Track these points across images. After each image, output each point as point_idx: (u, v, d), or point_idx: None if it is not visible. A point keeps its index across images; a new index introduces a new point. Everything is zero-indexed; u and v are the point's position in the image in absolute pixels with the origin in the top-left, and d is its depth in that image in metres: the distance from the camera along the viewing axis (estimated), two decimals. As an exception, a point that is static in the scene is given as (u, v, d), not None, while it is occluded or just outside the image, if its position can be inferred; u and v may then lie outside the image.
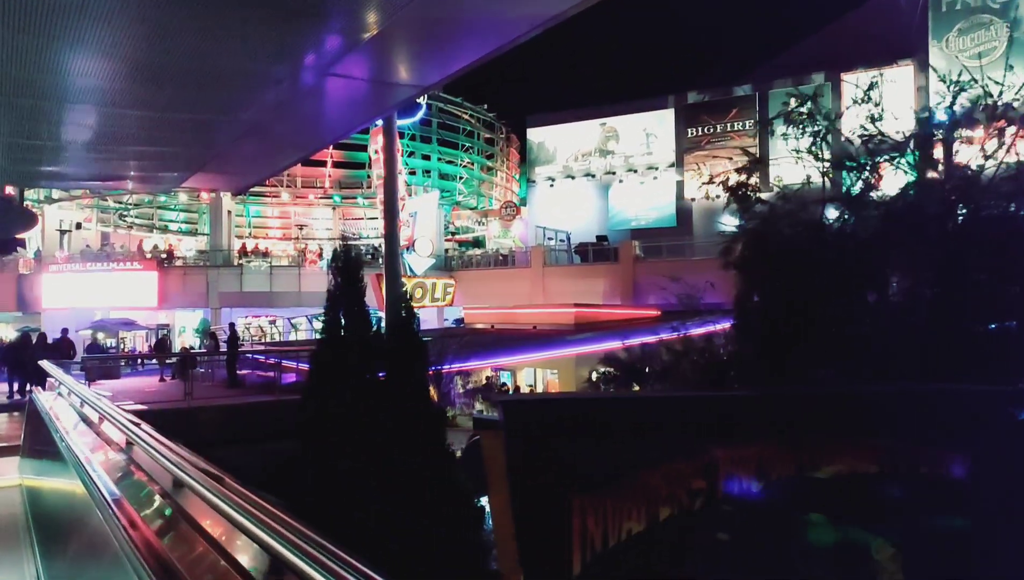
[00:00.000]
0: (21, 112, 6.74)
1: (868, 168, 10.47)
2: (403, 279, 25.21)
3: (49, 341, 21.58)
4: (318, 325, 37.36)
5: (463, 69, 7.30)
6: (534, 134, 47.27)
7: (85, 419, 7.69)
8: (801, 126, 10.71)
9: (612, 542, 4.96)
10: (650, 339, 25.80)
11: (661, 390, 11.53)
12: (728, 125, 40.77)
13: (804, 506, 5.07)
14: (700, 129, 41.75)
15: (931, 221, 8.77)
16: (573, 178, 45.87)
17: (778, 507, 5.04)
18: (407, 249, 25.48)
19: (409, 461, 10.00)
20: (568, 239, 42.70)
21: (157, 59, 5.67)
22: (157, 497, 3.93)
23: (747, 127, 40.15)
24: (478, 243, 49.32)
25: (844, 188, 10.66)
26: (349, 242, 12.98)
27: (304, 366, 19.21)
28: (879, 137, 10.31)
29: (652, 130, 43.16)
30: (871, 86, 10.94)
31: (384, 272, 14.35)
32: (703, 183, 12.76)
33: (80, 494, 4.79)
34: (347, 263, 11.25)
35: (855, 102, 10.61)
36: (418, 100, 25.19)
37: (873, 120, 10.40)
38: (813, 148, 10.91)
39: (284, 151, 11.64)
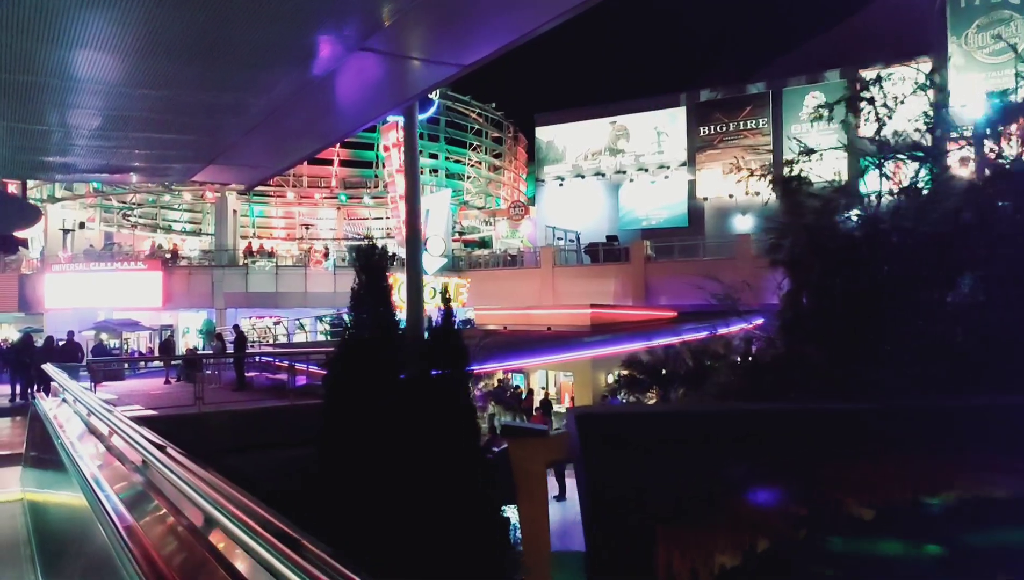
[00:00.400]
0: (21, 92, 6.12)
1: (934, 159, 9.81)
2: (415, 279, 24.57)
3: (51, 344, 21.09)
4: (324, 326, 36.77)
5: (506, 46, 6.65)
6: (543, 133, 46.64)
7: (92, 430, 7.07)
8: (873, 112, 10.02)
9: (702, 578, 4.31)
10: (672, 340, 25.17)
11: (757, 403, 10.73)
12: (741, 123, 40.10)
13: (920, 536, 4.42)
14: (713, 127, 41.09)
15: (1009, 214, 8.16)
16: (583, 177, 45.22)
17: (891, 537, 4.39)
18: (418, 248, 24.81)
19: (442, 470, 9.38)
20: (578, 239, 42.10)
21: (174, 28, 5.07)
22: (181, 531, 3.32)
23: (761, 125, 39.48)
24: (484, 244, 48.70)
25: (908, 182, 9.99)
26: (372, 240, 12.39)
27: (316, 369, 18.64)
28: (943, 126, 9.64)
29: (663, 128, 42.51)
30: (933, 70, 10.29)
31: (405, 269, 13.73)
32: (746, 176, 12.08)
33: (86, 515, 4.24)
34: (371, 261, 10.66)
35: (918, 88, 9.93)
36: (430, 96, 24.55)
37: (937, 108, 9.72)
38: (879, 136, 10.24)
39: (302, 141, 11.00)
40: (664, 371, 20.24)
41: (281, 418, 12.77)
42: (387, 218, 56.21)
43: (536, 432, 12.24)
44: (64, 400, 9.18)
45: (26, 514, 7.88)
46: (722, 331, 29.66)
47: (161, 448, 3.84)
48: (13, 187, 18.66)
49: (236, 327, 21.89)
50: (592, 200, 45.11)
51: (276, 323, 43.94)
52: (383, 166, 39.83)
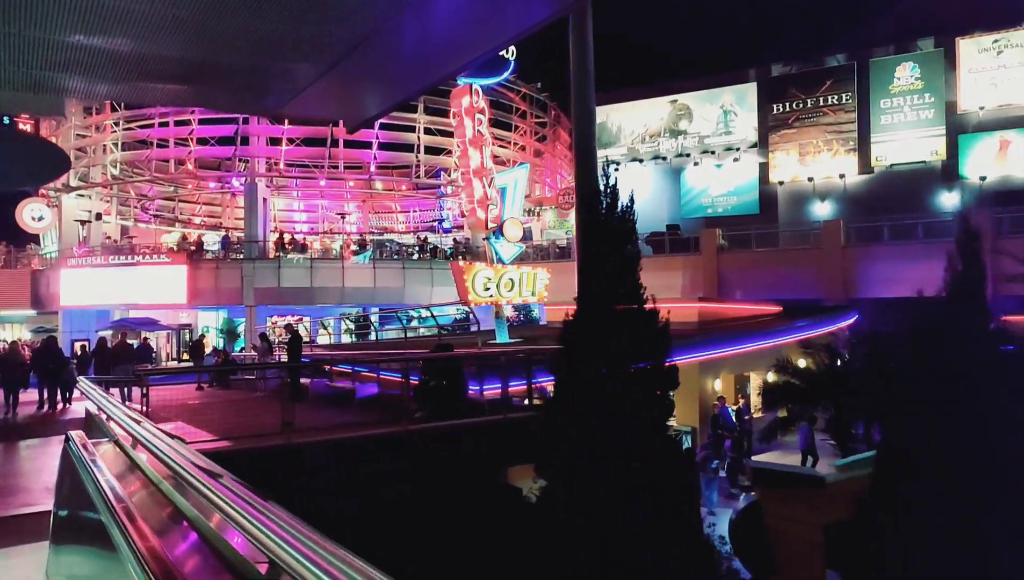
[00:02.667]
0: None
1: None
2: (490, 269, 21.12)
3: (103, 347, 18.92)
4: (349, 324, 33.14)
5: None
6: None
7: (191, 521, 3.65)
8: None
9: None
10: (793, 338, 21.52)
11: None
12: (821, 99, 36.40)
13: None
14: (787, 105, 37.41)
15: None
16: (641, 161, 41.59)
17: None
18: (493, 233, 21.35)
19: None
20: (634, 228, 38.55)
21: None
22: None
23: (844, 101, 35.77)
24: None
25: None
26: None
27: (391, 377, 15.18)
28: None
29: (731, 107, 38.86)
30: None
31: (577, 249, 10.28)
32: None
33: None
34: (612, 217, 7.20)
35: None
36: (505, 55, 21.10)
37: None
38: None
39: (425, 64, 7.58)
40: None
41: (395, 449, 9.32)
42: (414, 212, 52.99)
43: (807, 480, 8.66)
44: (116, 442, 5.70)
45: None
46: (829, 329, 26.05)
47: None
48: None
49: (289, 326, 18.50)
50: (649, 186, 41.50)
51: (298, 321, 40.95)
52: (420, 153, 36.47)
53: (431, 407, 12.14)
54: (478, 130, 20.58)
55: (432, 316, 18.01)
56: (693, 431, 21.12)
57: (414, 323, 31.73)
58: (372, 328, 35.10)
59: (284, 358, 22.18)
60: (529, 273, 21.82)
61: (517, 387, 15.96)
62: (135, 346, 20.75)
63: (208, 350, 28.02)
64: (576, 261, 35.26)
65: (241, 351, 33.09)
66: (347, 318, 36.02)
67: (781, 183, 37.74)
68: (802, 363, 16.85)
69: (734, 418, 20.64)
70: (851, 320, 29.72)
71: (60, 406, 18.20)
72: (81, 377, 8.99)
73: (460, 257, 38.33)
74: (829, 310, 29.54)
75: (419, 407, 12.16)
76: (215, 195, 46.80)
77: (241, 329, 38.90)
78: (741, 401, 22.00)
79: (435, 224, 48.41)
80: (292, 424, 8.60)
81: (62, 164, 9.85)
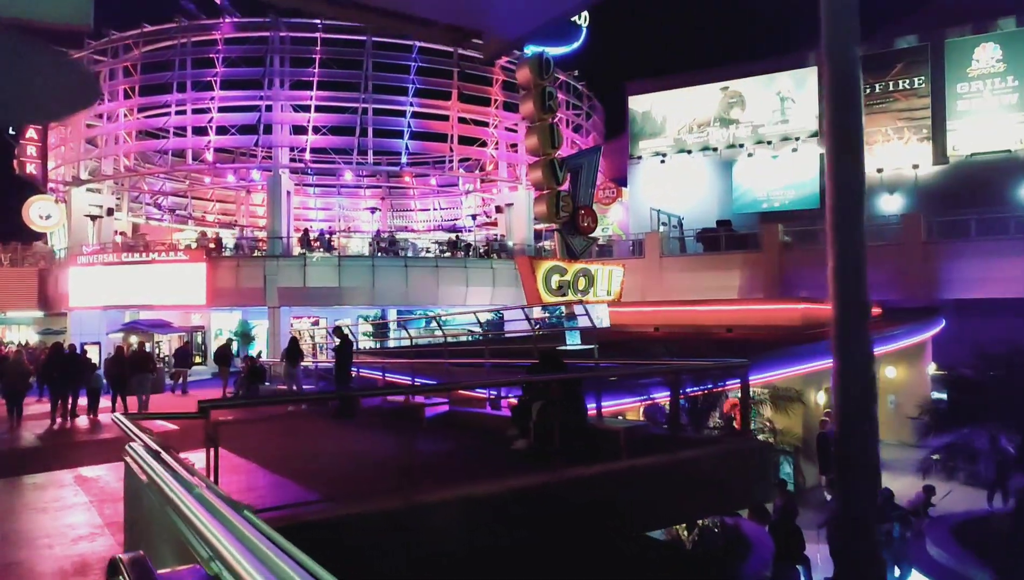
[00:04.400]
0: None
1: None
2: (563, 264, 18.44)
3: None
4: (367, 327, 30.46)
5: None
6: (636, 103, 40.32)
7: None
8: None
9: None
10: (913, 341, 18.58)
11: None
12: (891, 84, 33.61)
13: None
14: (852, 90, 34.61)
15: None
16: (689, 153, 38.84)
17: None
18: (564, 224, 18.67)
19: None
20: (680, 225, 35.97)
21: None
22: None
23: (916, 85, 32.98)
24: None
25: None
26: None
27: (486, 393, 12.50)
28: None
29: (788, 93, 36.09)
30: None
31: (830, 229, 7.69)
32: None
33: None
34: None
35: None
36: (577, 21, 18.48)
37: None
38: None
39: None
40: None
41: (540, 506, 6.65)
42: (435, 210, 50.47)
43: None
44: (208, 568, 3.00)
45: None
46: (923, 336, 23.22)
47: None
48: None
49: (338, 329, 15.84)
50: (696, 179, 38.80)
51: (314, 323, 38.64)
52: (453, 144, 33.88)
53: (544, 438, 9.50)
54: (548, 105, 17.91)
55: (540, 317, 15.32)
56: (796, 451, 18.43)
57: (433, 325, 29.21)
58: (396, 331, 32.54)
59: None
60: (606, 270, 19.12)
61: (616, 407, 13.28)
62: (177, 350, 18.53)
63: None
64: (622, 259, 32.67)
65: (259, 356, 30.67)
66: (366, 319, 33.55)
67: (846, 175, 34.91)
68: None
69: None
70: (939, 326, 26.97)
71: (78, 417, 16.21)
72: (119, 415, 6.32)
73: (495, 255, 35.81)
74: (915, 313, 26.78)
75: (520, 434, 9.53)
76: (229, 192, 44.51)
77: (256, 331, 36.46)
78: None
79: (464, 219, 45.99)
80: (412, 473, 5.96)
81: (93, 89, 7.34)
